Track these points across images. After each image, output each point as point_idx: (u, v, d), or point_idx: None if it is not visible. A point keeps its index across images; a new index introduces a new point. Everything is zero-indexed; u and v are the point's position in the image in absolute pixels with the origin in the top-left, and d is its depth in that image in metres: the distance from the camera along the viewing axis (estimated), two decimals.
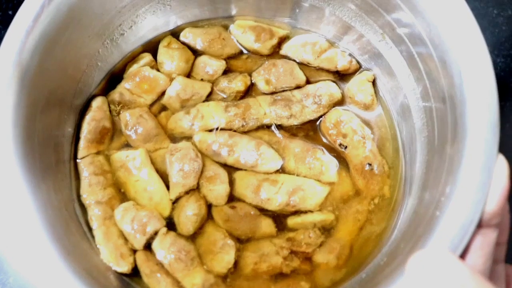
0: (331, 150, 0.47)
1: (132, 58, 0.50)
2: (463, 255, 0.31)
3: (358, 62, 0.50)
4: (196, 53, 0.51)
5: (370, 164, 0.45)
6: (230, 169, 0.46)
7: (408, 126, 0.46)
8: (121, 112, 0.48)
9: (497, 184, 0.31)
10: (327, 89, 0.48)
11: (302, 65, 0.50)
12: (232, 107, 0.47)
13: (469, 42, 0.34)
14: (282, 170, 0.46)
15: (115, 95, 0.48)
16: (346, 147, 0.46)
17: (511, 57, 0.60)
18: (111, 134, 0.47)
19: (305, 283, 0.42)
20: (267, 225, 0.44)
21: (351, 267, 0.43)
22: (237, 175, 0.46)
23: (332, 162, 0.46)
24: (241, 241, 0.44)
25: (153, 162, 0.46)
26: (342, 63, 0.49)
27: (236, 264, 0.43)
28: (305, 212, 0.45)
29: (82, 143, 0.46)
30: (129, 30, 0.48)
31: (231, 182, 0.46)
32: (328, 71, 0.50)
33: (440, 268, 0.28)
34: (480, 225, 0.31)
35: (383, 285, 0.33)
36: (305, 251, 0.43)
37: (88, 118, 0.46)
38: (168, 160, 0.45)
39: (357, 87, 0.49)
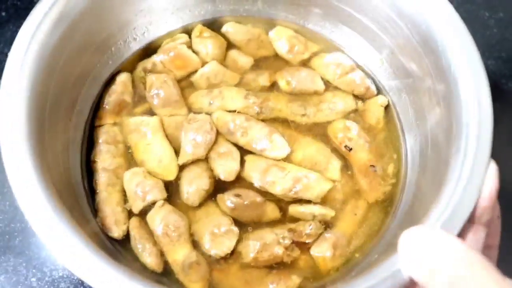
0: (337, 151, 0.49)
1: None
2: None
3: (377, 88, 0.52)
4: (230, 45, 0.55)
5: (373, 166, 0.48)
6: (240, 151, 0.48)
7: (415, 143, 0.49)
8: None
9: (486, 182, 0.34)
10: (344, 99, 0.51)
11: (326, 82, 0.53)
12: (252, 96, 0.50)
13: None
14: (289, 162, 0.48)
15: (148, 63, 0.52)
16: (351, 149, 0.48)
17: (502, 59, 0.62)
18: (129, 108, 0.51)
19: (297, 277, 0.43)
20: (272, 210, 0.46)
21: (347, 263, 0.44)
22: (248, 157, 0.48)
23: (336, 161, 0.48)
24: (246, 226, 0.45)
25: (166, 127, 0.49)
26: (359, 89, 0.52)
27: (233, 251, 0.44)
28: (307, 202, 0.46)
29: (101, 113, 0.50)
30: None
31: (241, 163, 0.47)
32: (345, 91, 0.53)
33: (434, 242, 0.28)
34: (472, 221, 0.33)
35: (375, 266, 0.34)
36: (305, 241, 0.44)
37: (110, 90, 0.50)
38: (184, 126, 0.48)
39: (369, 107, 0.51)
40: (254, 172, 0.47)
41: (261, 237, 0.44)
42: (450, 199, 0.34)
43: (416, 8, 0.43)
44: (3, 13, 0.58)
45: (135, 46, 0.53)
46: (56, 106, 0.43)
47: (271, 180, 0.46)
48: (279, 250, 0.43)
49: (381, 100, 0.52)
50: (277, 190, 0.46)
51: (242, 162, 0.48)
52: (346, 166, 0.49)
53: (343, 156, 0.49)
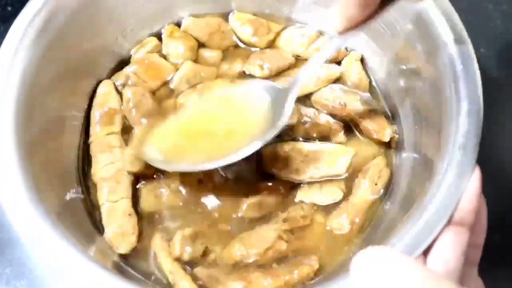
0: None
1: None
2: (435, 252, 0.32)
3: (346, 49, 0.53)
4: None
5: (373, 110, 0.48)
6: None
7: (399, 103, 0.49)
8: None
9: (469, 184, 0.33)
10: (327, 67, 0.51)
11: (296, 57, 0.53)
12: (237, 80, 0.50)
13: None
14: (295, 131, 0.47)
15: (121, 76, 0.50)
16: (345, 104, 0.49)
17: (505, 51, 0.59)
18: (121, 114, 0.48)
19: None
20: None
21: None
22: (264, 149, 0.46)
23: (338, 123, 0.48)
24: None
25: None
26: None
27: None
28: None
29: (91, 129, 0.47)
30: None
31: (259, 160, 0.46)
32: None
33: (385, 264, 0.26)
34: (452, 222, 0.32)
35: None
36: (304, 224, 0.44)
37: (94, 103, 0.48)
38: None
39: (347, 67, 0.51)
40: (275, 164, 0.46)
41: (262, 238, 0.43)
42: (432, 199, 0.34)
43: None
44: (9, 8, 0.58)
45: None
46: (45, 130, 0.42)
47: (295, 168, 0.46)
48: (281, 246, 0.43)
49: (354, 55, 0.52)
50: (305, 176, 0.46)
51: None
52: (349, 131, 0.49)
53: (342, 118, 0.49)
